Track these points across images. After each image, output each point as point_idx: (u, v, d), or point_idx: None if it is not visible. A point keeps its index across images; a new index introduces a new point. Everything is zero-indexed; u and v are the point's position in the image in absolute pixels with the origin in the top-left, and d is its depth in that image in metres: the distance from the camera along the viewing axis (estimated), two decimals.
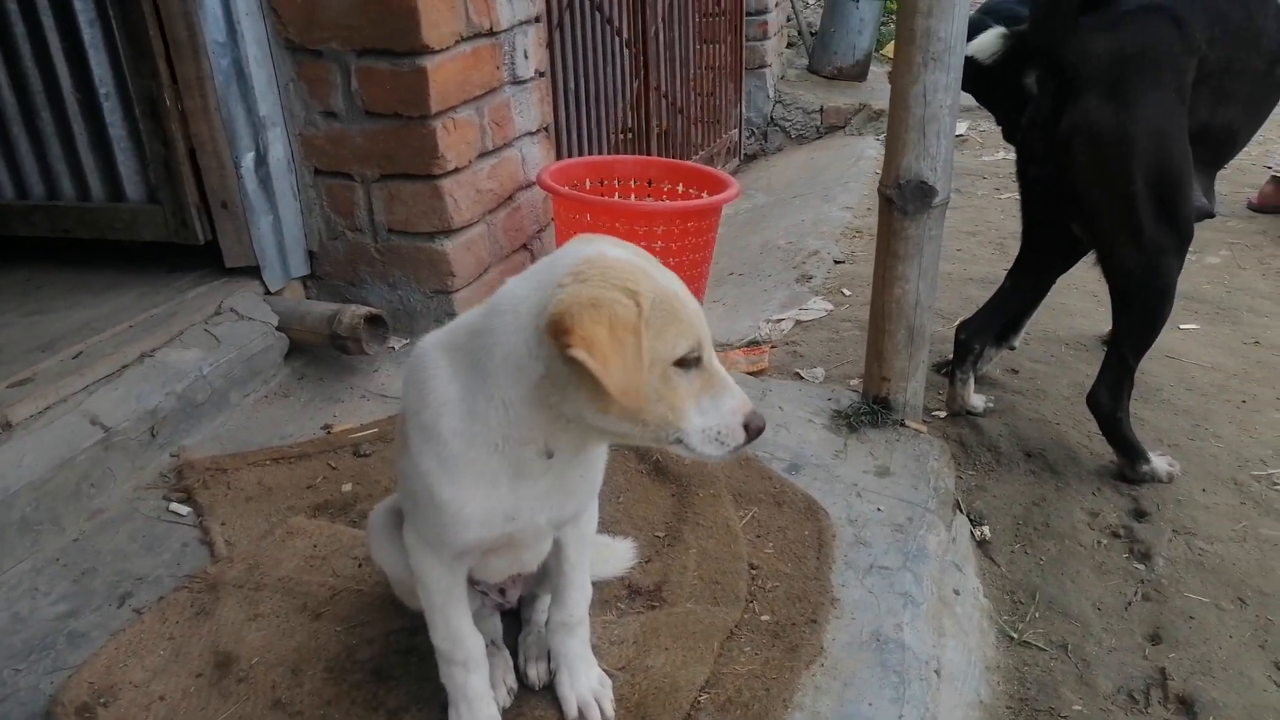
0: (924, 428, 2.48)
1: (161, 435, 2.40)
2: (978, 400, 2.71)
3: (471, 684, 1.53)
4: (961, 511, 2.27)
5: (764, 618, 1.84)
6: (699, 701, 1.65)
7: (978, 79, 2.43)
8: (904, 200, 2.28)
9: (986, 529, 2.28)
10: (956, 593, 1.99)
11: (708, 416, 1.26)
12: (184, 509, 2.22)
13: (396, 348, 2.98)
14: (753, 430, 1.27)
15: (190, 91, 2.67)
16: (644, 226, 2.85)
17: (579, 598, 1.59)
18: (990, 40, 2.37)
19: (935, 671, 1.76)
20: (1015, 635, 2.00)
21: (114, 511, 2.23)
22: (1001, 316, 2.74)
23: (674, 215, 2.86)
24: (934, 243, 2.34)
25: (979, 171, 5.32)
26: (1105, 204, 2.26)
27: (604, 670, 1.66)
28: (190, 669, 1.75)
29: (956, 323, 2.78)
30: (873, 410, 2.48)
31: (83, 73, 2.79)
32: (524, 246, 3.30)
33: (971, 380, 2.69)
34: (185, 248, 2.93)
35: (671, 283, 1.26)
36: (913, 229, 2.30)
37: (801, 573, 1.96)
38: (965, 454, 2.52)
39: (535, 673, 1.68)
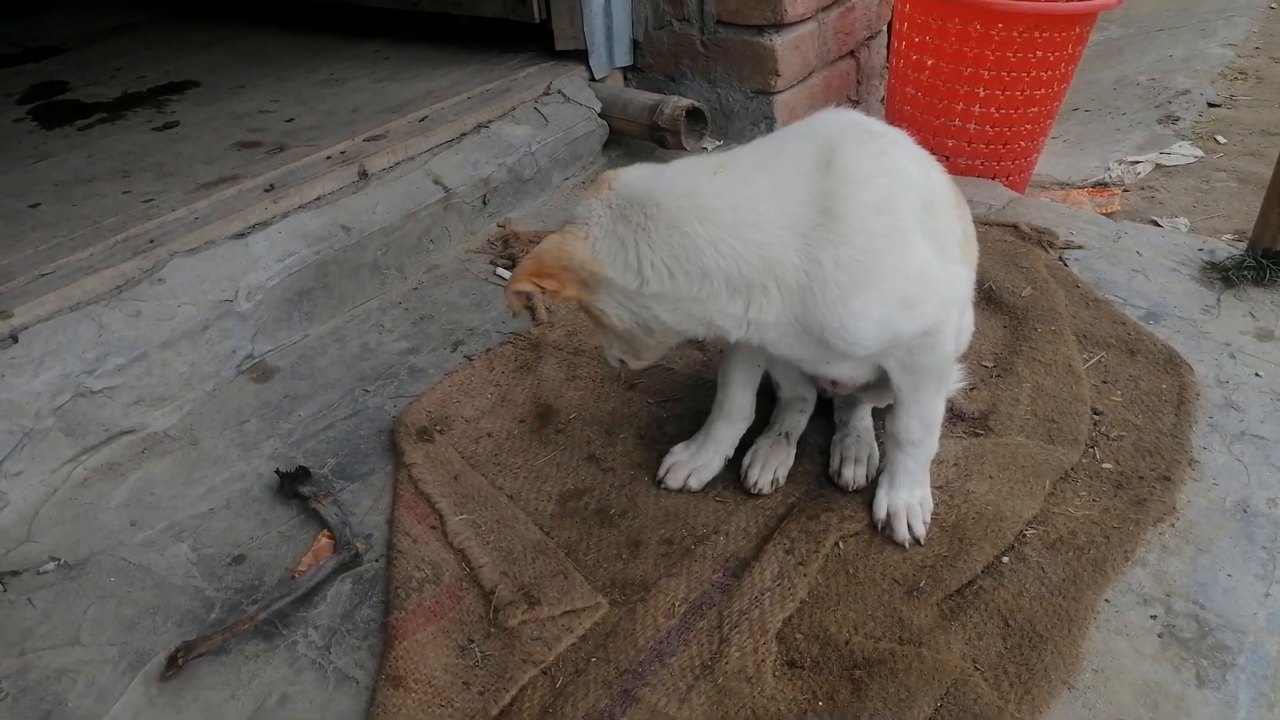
0: None
1: (491, 204, 2.49)
2: None
3: (716, 427, 1.65)
4: None
5: (1105, 465, 1.65)
6: (1025, 535, 1.52)
7: None
8: None
9: None
10: None
11: None
12: (508, 274, 2.31)
13: (710, 149, 2.89)
14: None
15: None
16: (1001, 30, 2.51)
17: (906, 420, 1.49)
18: None
19: None
20: None
21: (448, 268, 2.36)
22: None
23: (1040, 20, 2.49)
24: None
25: None
26: None
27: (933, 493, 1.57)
28: (514, 415, 1.84)
29: None
30: (1260, 265, 2.10)
31: None
32: (851, 54, 3.05)
33: None
34: (518, 29, 2.96)
35: None
36: None
37: (1154, 427, 1.73)
38: None
39: (850, 474, 1.62)
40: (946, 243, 1.38)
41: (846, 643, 1.36)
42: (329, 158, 2.36)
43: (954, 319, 1.41)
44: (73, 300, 1.83)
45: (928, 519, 1.53)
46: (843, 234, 1.25)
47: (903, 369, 1.42)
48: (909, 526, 1.52)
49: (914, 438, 1.51)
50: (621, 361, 1.48)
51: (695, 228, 1.26)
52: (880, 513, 1.54)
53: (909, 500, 1.53)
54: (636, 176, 1.33)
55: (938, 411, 1.50)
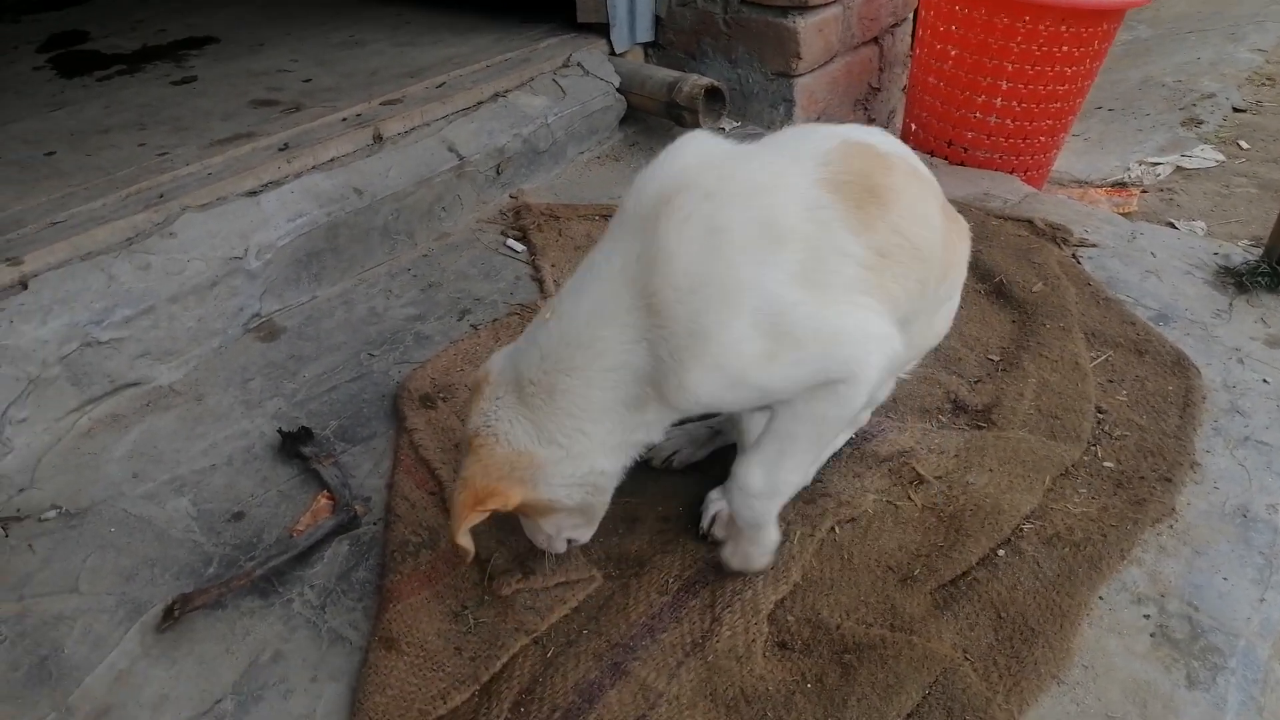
0: None
1: (505, 175, 2.48)
2: None
3: None
4: None
5: (1107, 464, 1.65)
6: (1022, 529, 1.52)
7: None
8: None
9: None
10: None
11: None
12: (519, 246, 2.31)
13: (727, 129, 2.88)
14: None
15: None
16: (1027, 23, 2.48)
17: (751, 459, 1.30)
18: None
19: None
20: None
21: (458, 237, 2.36)
22: None
23: (1067, 14, 2.46)
24: None
25: None
26: None
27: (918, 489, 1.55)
28: None
29: None
30: (1275, 271, 2.08)
31: None
32: (874, 40, 3.02)
33: None
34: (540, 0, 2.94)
35: None
36: None
37: (1158, 428, 1.72)
38: None
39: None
40: (830, 270, 1.19)
41: (838, 627, 1.36)
42: (345, 120, 2.36)
43: (874, 366, 1.20)
44: (83, 250, 1.83)
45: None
46: (668, 325, 1.16)
47: (802, 405, 1.24)
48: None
49: (751, 485, 1.30)
50: (570, 542, 1.40)
51: (566, 381, 1.21)
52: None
53: (749, 551, 1.40)
54: (501, 358, 1.30)
55: (791, 476, 1.31)
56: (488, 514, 1.23)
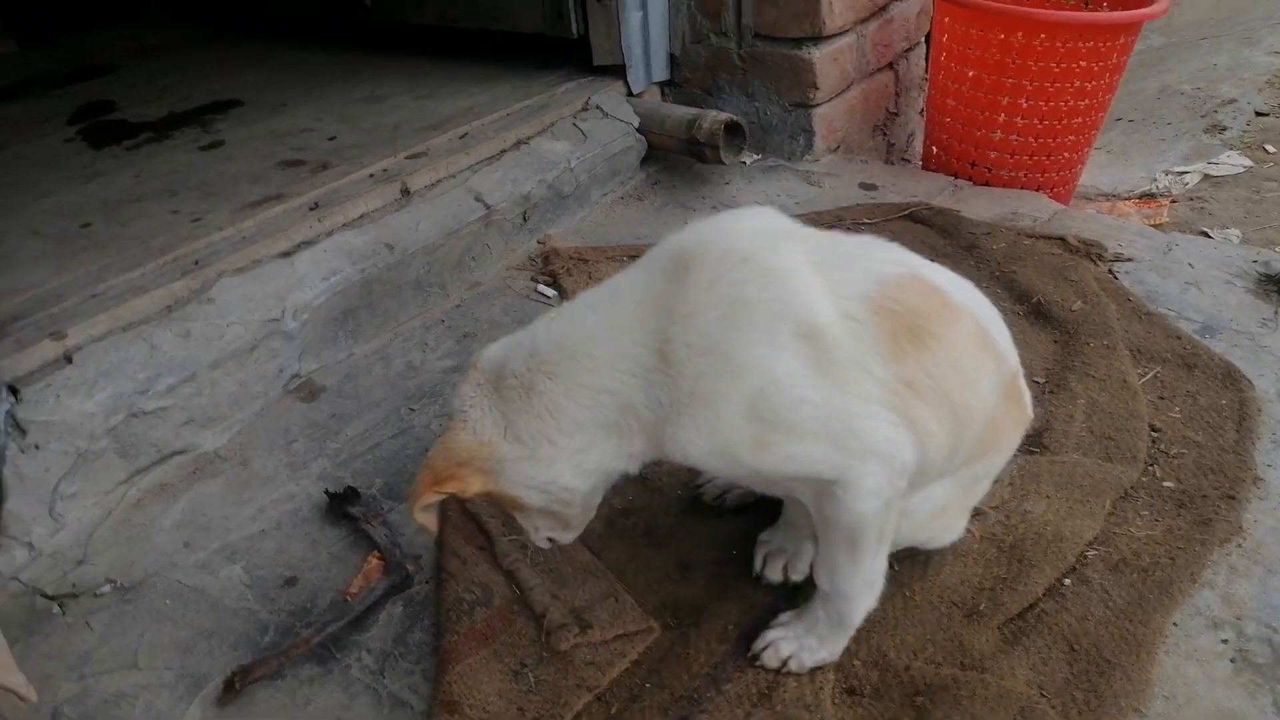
0: None
1: (531, 220, 2.49)
2: None
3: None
4: None
5: (1166, 484, 1.61)
6: (1086, 556, 1.48)
7: None
8: None
9: None
10: None
11: None
12: (550, 291, 2.31)
13: (748, 163, 2.88)
14: None
15: None
16: (1044, 40, 2.48)
17: (818, 561, 1.31)
18: None
19: None
20: None
21: (489, 285, 2.37)
22: None
23: (1084, 30, 2.46)
24: None
25: None
26: None
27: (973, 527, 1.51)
28: None
29: None
30: None
31: None
32: (889, 66, 3.03)
33: None
34: (555, 44, 2.97)
35: None
36: None
37: (1216, 444, 1.69)
38: None
39: (771, 571, 1.50)
40: (847, 379, 1.14)
41: (906, 668, 1.33)
42: (371, 175, 2.38)
43: (871, 474, 1.16)
44: (124, 320, 1.85)
45: (804, 667, 1.35)
46: (673, 376, 1.15)
47: (815, 508, 1.25)
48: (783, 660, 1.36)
49: (822, 584, 1.32)
50: (551, 540, 1.38)
51: (546, 384, 1.20)
52: (760, 642, 1.38)
53: (796, 652, 1.35)
54: (498, 346, 1.29)
55: (851, 578, 1.28)
56: (445, 495, 1.23)
